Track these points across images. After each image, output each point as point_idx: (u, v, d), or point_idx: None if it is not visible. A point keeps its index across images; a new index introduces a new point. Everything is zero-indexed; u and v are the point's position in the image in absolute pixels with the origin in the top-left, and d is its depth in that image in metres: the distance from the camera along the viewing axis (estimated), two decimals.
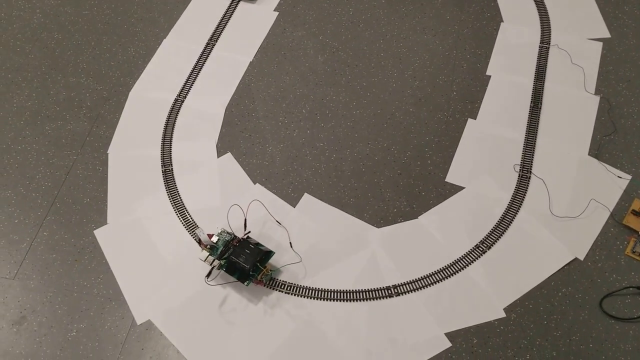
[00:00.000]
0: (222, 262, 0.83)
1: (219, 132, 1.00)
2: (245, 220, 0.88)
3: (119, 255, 0.88)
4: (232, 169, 0.96)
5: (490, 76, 1.05)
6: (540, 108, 1.00)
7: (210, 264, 0.83)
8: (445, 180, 0.93)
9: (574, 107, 1.00)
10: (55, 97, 1.05)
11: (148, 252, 0.87)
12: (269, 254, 0.85)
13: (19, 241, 0.90)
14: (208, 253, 0.83)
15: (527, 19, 1.12)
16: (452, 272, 0.83)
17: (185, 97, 1.04)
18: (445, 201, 0.91)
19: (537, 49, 1.07)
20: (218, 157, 0.97)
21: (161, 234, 0.89)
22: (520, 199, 0.90)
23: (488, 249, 0.85)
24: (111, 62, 1.09)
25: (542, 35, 1.09)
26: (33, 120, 1.02)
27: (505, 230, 0.87)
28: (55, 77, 1.08)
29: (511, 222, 0.87)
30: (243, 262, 0.81)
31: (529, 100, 1.01)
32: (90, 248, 0.89)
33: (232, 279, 0.82)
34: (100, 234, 0.90)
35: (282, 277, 0.85)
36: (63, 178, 0.96)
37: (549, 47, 1.07)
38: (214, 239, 0.84)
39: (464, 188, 0.92)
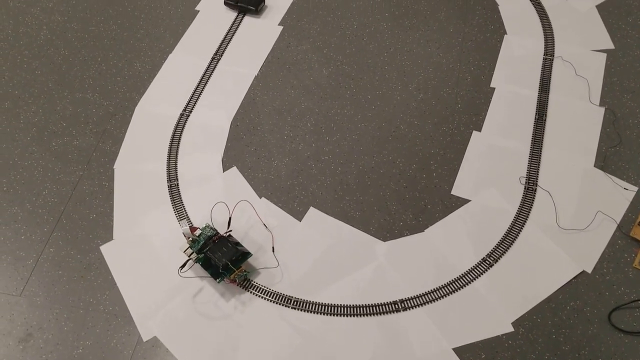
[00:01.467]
0: (200, 256, 0.85)
1: (225, 146, 1.01)
2: (230, 219, 0.90)
3: (125, 271, 0.88)
4: (238, 183, 0.97)
5: (494, 88, 1.06)
6: (545, 120, 1.00)
7: (189, 256, 0.86)
8: (451, 193, 0.94)
9: (579, 118, 1.00)
10: (61, 112, 1.07)
11: (154, 268, 0.88)
12: (246, 255, 0.86)
13: (26, 257, 0.90)
14: (189, 245, 0.86)
15: (530, 31, 1.13)
16: (459, 285, 0.84)
17: (191, 111, 1.05)
18: (451, 214, 0.91)
19: (541, 61, 1.08)
20: (224, 171, 0.98)
21: (167, 249, 0.90)
22: (527, 212, 0.90)
23: (495, 262, 0.85)
24: (117, 78, 1.11)
25: (546, 47, 1.10)
26: (39, 136, 1.04)
27: (512, 243, 0.87)
28: (62, 93, 1.09)
29: (518, 235, 0.88)
30: (217, 259, 0.84)
31: (534, 112, 1.02)
32: (96, 264, 0.89)
33: (206, 273, 0.85)
34: (106, 249, 0.90)
35: (283, 286, 0.85)
36: (69, 194, 0.97)
37: (552, 59, 1.08)
38: (197, 232, 0.87)
39: (469, 201, 0.92)
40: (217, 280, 0.84)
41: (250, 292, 0.85)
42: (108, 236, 0.92)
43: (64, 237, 0.92)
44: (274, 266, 0.87)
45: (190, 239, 0.87)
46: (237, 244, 0.87)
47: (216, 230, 0.88)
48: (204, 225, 0.89)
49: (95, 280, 0.88)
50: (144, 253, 0.89)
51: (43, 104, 1.08)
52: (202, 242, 0.86)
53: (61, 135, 1.03)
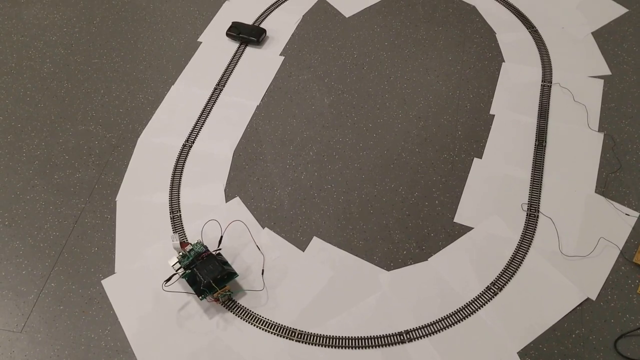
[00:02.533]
0: (187, 272, 0.88)
1: (227, 176, 1.03)
2: (221, 237, 0.93)
3: (127, 305, 0.90)
4: (240, 213, 0.99)
5: (494, 115, 1.09)
6: (545, 146, 1.03)
7: (176, 271, 0.88)
8: (454, 220, 0.96)
9: (578, 144, 1.04)
10: (64, 145, 1.09)
11: (156, 302, 0.89)
12: (232, 275, 0.89)
13: (27, 293, 0.92)
14: (178, 260, 0.89)
15: (528, 58, 1.17)
16: (464, 315, 0.85)
17: (194, 142, 1.08)
18: (455, 242, 0.93)
19: (539, 88, 1.12)
20: (227, 201, 1.00)
21: (170, 282, 0.91)
22: (530, 239, 0.92)
23: (499, 291, 0.87)
24: (120, 109, 1.14)
25: (544, 74, 1.14)
26: (42, 169, 1.06)
27: (515, 271, 0.89)
28: (65, 125, 1.12)
29: (521, 263, 0.90)
30: (202, 276, 0.86)
31: (534, 138, 1.05)
32: (98, 298, 0.91)
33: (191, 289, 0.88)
34: (108, 283, 0.92)
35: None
36: (71, 227, 0.99)
37: (550, 86, 1.12)
38: (188, 247, 0.90)
39: (472, 228, 0.95)
40: (200, 297, 0.87)
41: (233, 313, 0.87)
42: (110, 270, 0.93)
43: (66, 272, 0.94)
44: (259, 289, 0.90)
45: (181, 253, 0.90)
46: (225, 263, 0.90)
47: (207, 248, 0.91)
48: (196, 242, 0.91)
49: (97, 315, 0.89)
50: (146, 286, 0.91)
51: (45, 137, 1.11)
52: (191, 258, 0.89)
53: (63, 168, 1.06)
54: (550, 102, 1.10)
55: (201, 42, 1.25)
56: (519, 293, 0.87)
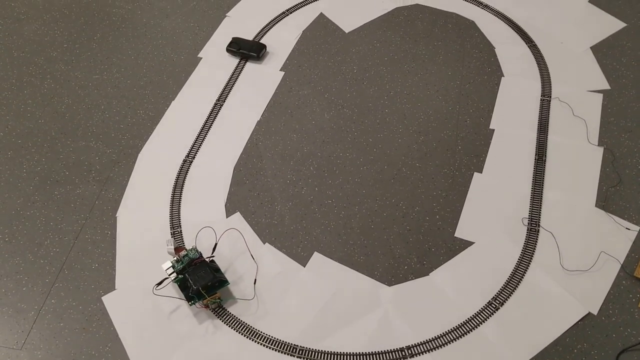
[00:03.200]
0: (179, 277, 0.90)
1: (228, 191, 1.05)
2: (216, 245, 0.96)
3: (128, 322, 0.91)
4: (241, 228, 1.00)
5: (493, 130, 1.11)
6: (545, 160, 1.06)
7: (169, 275, 0.91)
8: (455, 235, 0.98)
9: (578, 158, 1.06)
10: (64, 161, 1.11)
11: (157, 318, 0.91)
12: (223, 282, 0.91)
13: (27, 310, 0.93)
14: (171, 264, 0.92)
15: (527, 72, 1.20)
16: (465, 330, 0.86)
17: (194, 157, 1.10)
18: (456, 257, 0.95)
19: (538, 102, 1.14)
20: (227, 217, 1.02)
21: (171, 299, 0.92)
22: (531, 253, 0.94)
23: (501, 306, 0.89)
24: (120, 125, 1.17)
25: (543, 89, 1.17)
26: (42, 185, 1.08)
27: (517, 286, 0.91)
28: (65, 141, 1.15)
29: (523, 277, 0.91)
30: (193, 282, 0.89)
31: (534, 152, 1.07)
32: (98, 315, 0.92)
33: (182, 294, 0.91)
34: (108, 300, 0.93)
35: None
36: (71, 243, 1.00)
37: (550, 100, 1.14)
38: (183, 253, 0.92)
39: (473, 243, 0.96)
40: (190, 303, 0.89)
41: (221, 320, 0.90)
42: (110, 286, 0.95)
43: (66, 288, 0.95)
44: (249, 298, 0.92)
45: (175, 258, 0.92)
46: (217, 270, 0.93)
47: (201, 254, 0.93)
48: (191, 247, 0.94)
49: (97, 332, 0.90)
50: (147, 303, 0.92)
51: (46, 153, 1.13)
52: (184, 264, 0.91)
53: (64, 184, 1.08)
54: (550, 116, 1.12)
55: (201, 58, 1.28)
56: (521, 308, 0.88)
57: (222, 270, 0.94)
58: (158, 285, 0.90)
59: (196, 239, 0.97)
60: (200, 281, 0.88)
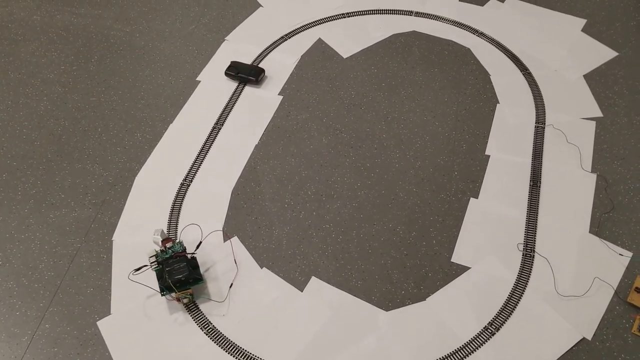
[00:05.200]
0: (159, 267, 0.98)
1: (226, 215, 1.11)
2: (200, 243, 1.04)
3: (123, 347, 0.94)
4: (239, 253, 1.05)
5: (489, 156, 1.18)
6: (539, 187, 1.12)
7: (150, 264, 0.99)
8: (451, 260, 1.03)
9: (572, 185, 1.13)
10: (60, 184, 1.16)
11: (153, 343, 0.95)
12: (197, 280, 0.98)
13: (20, 334, 0.96)
14: (156, 252, 1.00)
15: (521, 100, 1.28)
16: (462, 356, 0.91)
17: (192, 181, 1.16)
18: (452, 282, 1.01)
19: (533, 129, 1.22)
20: (224, 241, 1.07)
21: (166, 324, 0.96)
22: (526, 279, 1.00)
23: (497, 331, 0.94)
24: (117, 148, 1.22)
25: (537, 116, 1.24)
26: (37, 208, 1.12)
27: (512, 311, 0.96)
28: (61, 163, 1.20)
29: (518, 302, 0.97)
30: (168, 274, 0.96)
31: (528, 178, 1.14)
32: (93, 340, 0.95)
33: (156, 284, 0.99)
34: (103, 325, 0.97)
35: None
36: (66, 267, 1.04)
37: (544, 127, 1.22)
38: (169, 244, 1.00)
39: (469, 268, 1.02)
40: (161, 294, 0.97)
41: (190, 315, 0.97)
42: (105, 311, 0.98)
43: (60, 313, 0.99)
44: (220, 300, 0.99)
45: (161, 249, 1.00)
46: (195, 267, 1.00)
47: (185, 249, 1.01)
48: (178, 241, 1.02)
49: (92, 357, 0.93)
50: (143, 328, 0.96)
51: (41, 176, 1.18)
52: (168, 255, 0.99)
53: (59, 206, 1.13)
54: (544, 143, 1.20)
55: (200, 81, 1.35)
56: (516, 333, 0.94)
57: (204, 268, 1.03)
58: (136, 271, 0.98)
59: (180, 234, 1.07)
60: (174, 275, 0.96)
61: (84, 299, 1.00)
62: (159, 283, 0.97)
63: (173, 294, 0.96)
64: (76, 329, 0.97)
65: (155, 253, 0.99)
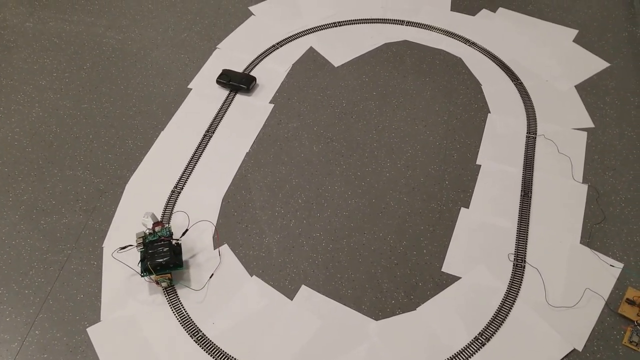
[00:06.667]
0: (144, 248, 1.02)
1: (216, 223, 1.11)
2: (186, 230, 1.07)
3: (113, 354, 0.94)
4: (229, 261, 1.05)
5: (480, 165, 1.19)
6: (530, 197, 1.13)
7: (137, 244, 1.02)
8: (442, 270, 1.03)
9: (563, 195, 1.13)
10: (51, 190, 1.16)
11: (142, 351, 0.94)
12: (176, 266, 1.01)
13: (10, 341, 0.96)
14: (144, 234, 1.03)
15: (513, 110, 1.29)
16: None
17: (182, 188, 1.16)
18: (443, 292, 1.00)
19: (524, 139, 1.22)
20: (215, 248, 1.07)
21: (156, 332, 0.96)
22: (517, 289, 1.00)
23: (487, 342, 0.94)
24: (109, 155, 1.22)
25: (529, 126, 1.25)
26: (28, 214, 1.12)
27: (503, 322, 0.96)
28: (52, 170, 1.19)
29: (509, 313, 0.97)
30: (149, 256, 0.99)
31: (520, 189, 1.14)
32: (82, 347, 0.95)
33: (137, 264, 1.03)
34: (93, 332, 0.97)
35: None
36: (57, 274, 1.04)
37: (535, 137, 1.22)
38: (158, 228, 1.04)
39: (460, 278, 1.02)
40: (141, 274, 1.00)
41: (166, 298, 1.00)
42: (95, 317, 0.98)
43: (50, 319, 0.98)
44: (198, 288, 1.02)
45: (149, 231, 1.03)
46: (178, 253, 1.03)
47: (171, 234, 1.04)
48: (167, 226, 1.05)
49: None
50: (133, 335, 0.96)
51: (33, 182, 1.17)
52: (155, 238, 1.02)
53: (50, 213, 1.12)
54: (536, 153, 1.20)
55: (191, 89, 1.35)
56: (507, 344, 0.94)
57: (189, 255, 1.06)
58: (121, 250, 1.03)
59: (170, 221, 1.11)
60: (156, 258, 0.99)
61: (74, 306, 1.00)
62: (140, 264, 1.01)
63: (152, 277, 0.99)
64: (66, 336, 0.96)
65: (143, 234, 1.03)
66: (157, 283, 1.01)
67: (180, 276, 1.02)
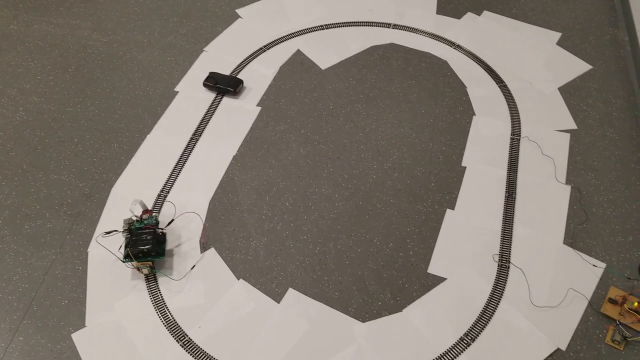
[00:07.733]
0: (129, 235, 1.04)
1: (203, 226, 1.10)
2: (172, 220, 1.10)
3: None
4: (215, 264, 1.05)
5: (465, 167, 1.20)
6: (514, 198, 1.14)
7: (122, 230, 1.04)
8: (428, 271, 1.04)
9: (547, 196, 1.14)
10: (35, 195, 1.15)
11: (128, 356, 0.94)
12: (158, 255, 1.03)
13: None
14: (131, 221, 1.05)
15: (497, 112, 1.30)
16: None
17: (169, 192, 1.15)
18: (429, 293, 1.01)
19: (508, 141, 1.24)
20: (202, 252, 1.07)
21: (142, 336, 0.96)
22: (501, 289, 1.01)
23: (472, 342, 0.95)
24: (94, 159, 1.21)
25: (513, 128, 1.26)
26: (12, 219, 1.11)
27: (488, 322, 0.97)
28: (37, 174, 1.18)
29: (494, 313, 0.98)
30: (131, 244, 1.01)
31: (504, 190, 1.15)
32: (67, 353, 0.94)
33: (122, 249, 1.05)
34: (78, 337, 0.96)
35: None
36: (41, 279, 1.03)
37: (519, 139, 1.24)
38: (145, 216, 1.06)
39: (446, 279, 1.03)
40: (124, 260, 1.02)
41: (146, 284, 1.03)
42: (80, 323, 0.98)
43: (34, 325, 0.98)
44: (178, 278, 1.03)
45: (136, 218, 1.05)
46: (162, 242, 1.05)
47: (158, 223, 1.06)
48: (154, 214, 1.08)
49: None
50: (118, 340, 0.95)
51: (16, 186, 1.16)
52: (140, 225, 1.05)
53: (34, 218, 1.11)
54: (520, 154, 1.21)
55: (178, 92, 1.35)
56: (492, 343, 0.95)
57: (174, 244, 1.08)
58: (106, 234, 1.06)
59: (159, 210, 1.12)
60: (138, 246, 1.01)
61: (59, 311, 0.99)
62: (123, 250, 1.02)
63: (134, 263, 1.00)
64: (50, 342, 0.96)
65: (130, 221, 1.04)
66: (139, 270, 1.02)
67: (161, 265, 1.05)
